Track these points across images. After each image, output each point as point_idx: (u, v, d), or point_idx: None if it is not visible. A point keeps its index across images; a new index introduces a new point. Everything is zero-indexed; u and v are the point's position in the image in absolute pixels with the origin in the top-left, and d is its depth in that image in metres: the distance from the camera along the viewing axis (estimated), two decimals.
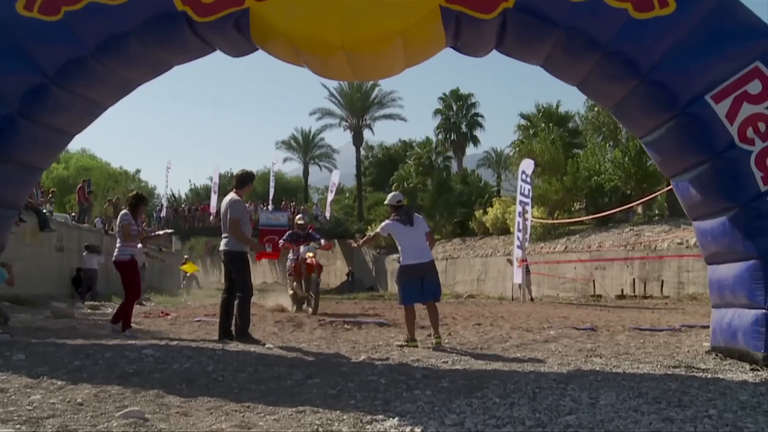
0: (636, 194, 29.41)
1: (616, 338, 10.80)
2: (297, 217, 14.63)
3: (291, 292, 14.78)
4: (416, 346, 9.30)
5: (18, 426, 4.79)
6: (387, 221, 9.93)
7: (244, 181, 10.21)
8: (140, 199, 10.80)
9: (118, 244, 10.48)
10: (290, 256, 14.69)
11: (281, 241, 15.04)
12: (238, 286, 9.79)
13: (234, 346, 9.03)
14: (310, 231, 14.29)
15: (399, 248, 9.80)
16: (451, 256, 39.27)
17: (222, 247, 9.88)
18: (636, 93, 8.41)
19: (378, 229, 9.99)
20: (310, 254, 14.10)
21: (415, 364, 7.82)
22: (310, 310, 14.22)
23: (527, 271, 24.38)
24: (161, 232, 14.38)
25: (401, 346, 9.44)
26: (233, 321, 9.86)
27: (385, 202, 10.56)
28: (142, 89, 9.97)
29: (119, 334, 10.03)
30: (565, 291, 25.56)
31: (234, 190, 10.13)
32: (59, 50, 8.45)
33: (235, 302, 9.81)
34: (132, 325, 10.68)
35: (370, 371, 7.17)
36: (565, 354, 8.88)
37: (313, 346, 9.47)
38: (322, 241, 15.43)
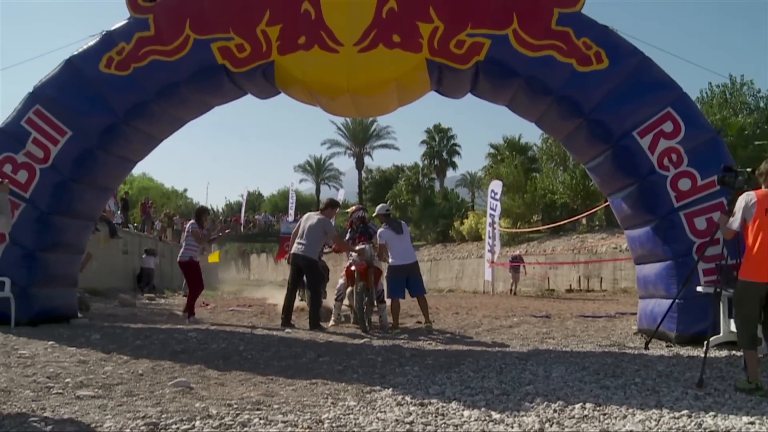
0: (581, 208, 29.46)
1: (565, 324, 10.83)
2: (353, 208, 11.39)
3: (346, 302, 10.56)
4: (400, 333, 9.24)
5: (96, 390, 4.85)
6: (381, 229, 9.84)
7: (327, 205, 10.40)
8: (203, 210, 11.07)
9: (183, 248, 10.59)
10: (352, 255, 10.27)
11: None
12: (311, 285, 9.82)
13: (260, 330, 9.06)
14: (368, 225, 10.84)
15: (390, 252, 9.79)
16: (435, 258, 39.23)
17: (298, 251, 9.67)
18: (580, 128, 8.58)
19: (379, 240, 9.86)
20: (361, 249, 9.94)
21: (406, 345, 7.85)
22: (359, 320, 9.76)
23: (517, 270, 24.30)
24: (221, 234, 14.43)
25: (389, 330, 9.44)
26: (309, 312, 9.86)
27: (374, 213, 10.45)
28: (189, 124, 10.04)
29: (190, 322, 10.07)
30: (526, 286, 25.54)
31: (319, 210, 10.22)
32: (128, 97, 8.74)
33: (307, 297, 9.84)
34: (176, 313, 10.75)
35: (369, 351, 7.20)
36: (525, 336, 8.92)
37: (320, 328, 9.51)
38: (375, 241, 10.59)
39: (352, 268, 9.85)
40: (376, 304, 9.90)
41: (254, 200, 57.07)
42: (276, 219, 49.01)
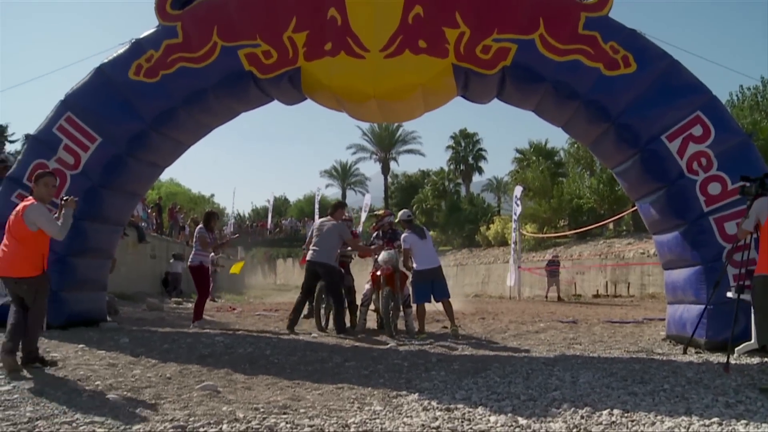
0: (608, 213, 29.12)
1: (592, 329, 10.73)
2: (383, 212, 11.39)
3: (371, 307, 10.66)
4: (426, 338, 9.15)
5: (125, 393, 4.91)
6: (405, 235, 9.73)
7: (336, 207, 10.32)
8: (211, 216, 10.82)
9: (192, 253, 10.55)
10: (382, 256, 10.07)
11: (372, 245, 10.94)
12: (332, 290, 9.71)
13: (287, 334, 9.10)
14: (396, 231, 10.65)
15: (414, 256, 9.72)
16: (461, 263, 39.05)
17: (315, 258, 9.64)
18: (608, 133, 8.50)
19: (403, 245, 9.84)
20: (386, 258, 9.89)
21: (432, 350, 7.83)
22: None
23: (555, 275, 23.60)
24: (228, 239, 14.38)
25: (415, 335, 9.37)
26: (334, 318, 9.82)
27: (397, 220, 10.37)
28: (216, 130, 10.13)
29: (196, 327, 10.02)
30: (552, 291, 25.32)
31: (329, 215, 10.17)
32: (156, 104, 8.85)
33: (332, 305, 9.86)
34: (204, 317, 10.75)
35: (395, 356, 7.19)
36: (552, 342, 8.86)
37: (347, 333, 9.52)
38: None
39: (378, 273, 9.84)
40: (402, 309, 9.85)
41: (280, 205, 57.41)
42: (302, 224, 49.17)
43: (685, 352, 7.44)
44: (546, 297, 23.27)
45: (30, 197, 6.00)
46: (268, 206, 56.98)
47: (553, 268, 23.82)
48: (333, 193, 74.81)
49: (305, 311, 10.50)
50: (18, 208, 5.87)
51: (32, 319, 5.69)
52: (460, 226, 44.93)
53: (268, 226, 51.39)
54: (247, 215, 71.69)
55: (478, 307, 17.29)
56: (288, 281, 48.16)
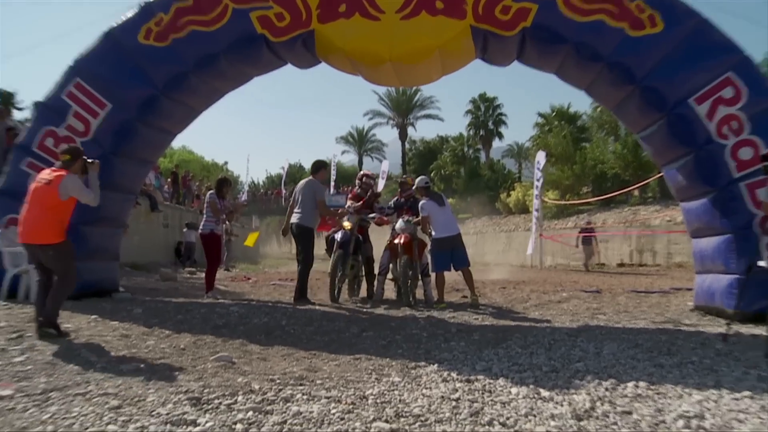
0: (633, 180, 28.79)
1: (617, 299, 10.69)
2: (401, 181, 11.40)
3: (389, 276, 10.68)
4: (445, 307, 9.18)
5: (139, 364, 4.96)
6: (423, 202, 9.77)
7: (317, 168, 10.23)
8: (223, 182, 10.68)
9: (202, 220, 10.43)
10: (399, 224, 10.15)
11: (386, 215, 10.91)
12: (302, 256, 9.70)
13: (303, 304, 9.14)
14: (415, 198, 10.53)
15: (432, 224, 9.72)
16: (481, 231, 38.96)
17: (295, 221, 9.72)
18: (632, 96, 8.34)
19: (421, 213, 9.83)
20: (403, 226, 10.00)
21: (451, 320, 7.84)
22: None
23: (589, 242, 22.71)
24: (240, 205, 14.34)
25: (434, 305, 9.43)
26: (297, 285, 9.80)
27: (414, 186, 10.32)
28: (229, 95, 10.08)
29: (210, 297, 10.01)
30: (576, 260, 25.15)
31: (311, 176, 10.11)
32: (167, 68, 8.79)
33: (298, 269, 9.85)
34: (218, 287, 10.77)
35: (414, 326, 7.20)
36: (575, 312, 8.84)
37: (363, 304, 9.55)
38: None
39: (396, 241, 9.85)
40: (420, 278, 9.89)
41: (295, 172, 57.29)
42: None
43: (728, 330, 7.36)
44: (586, 267, 22.58)
45: (58, 168, 6.28)
46: (283, 173, 57.03)
47: (587, 236, 22.99)
48: (349, 160, 74.86)
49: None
50: (48, 177, 6.10)
51: (61, 284, 5.95)
52: (479, 193, 44.78)
53: (283, 194, 51.48)
54: (261, 183, 71.86)
55: (498, 276, 17.28)
56: None
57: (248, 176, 55.82)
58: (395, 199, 10.96)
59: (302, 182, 10.04)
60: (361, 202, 10.66)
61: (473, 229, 39.46)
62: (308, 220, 9.67)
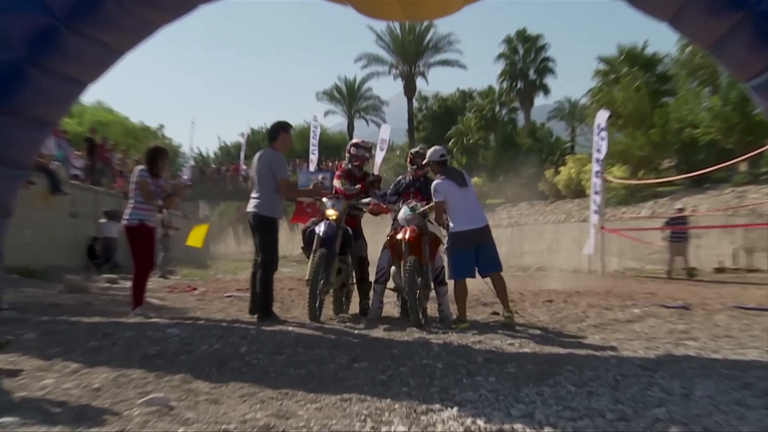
0: (738, 149, 28.45)
1: (714, 318, 10.65)
2: (414, 151, 11.22)
3: (390, 284, 10.68)
4: (467, 328, 9.21)
5: (27, 415, 4.86)
6: (438, 181, 9.79)
7: (275, 132, 10.21)
8: (157, 153, 10.57)
9: (129, 206, 10.32)
10: (403, 212, 10.15)
11: (387, 201, 10.96)
12: (262, 256, 9.79)
13: (269, 325, 9.10)
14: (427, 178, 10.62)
15: (449, 212, 9.75)
16: (518, 222, 39.06)
17: (250, 209, 9.85)
18: (741, 27, 8.19)
19: (435, 197, 9.78)
20: (410, 215, 9.96)
21: (477, 346, 7.82)
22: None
23: (681, 238, 22.59)
24: (178, 184, 14.09)
25: (453, 325, 9.45)
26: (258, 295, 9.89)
27: (426, 159, 10.30)
28: (165, 35, 10.02)
29: (139, 315, 9.95)
30: (652, 263, 25.14)
31: (270, 145, 10.15)
32: None
33: (258, 274, 9.86)
34: (150, 301, 10.74)
35: (424, 354, 7.17)
36: (652, 336, 8.81)
37: (354, 323, 9.54)
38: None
39: (399, 236, 9.82)
40: (433, 286, 9.93)
41: (260, 141, 57.34)
42: (292, 168, 49.26)
43: None
44: (668, 274, 22.36)
45: None
46: (242, 143, 57.08)
47: (677, 228, 22.73)
48: (336, 123, 75.27)
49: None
50: None
51: None
52: (516, 170, 44.85)
53: (242, 171, 51.54)
54: (212, 155, 72.03)
55: (542, 285, 17.28)
56: None
57: (193, 146, 56.05)
58: (400, 179, 10.95)
59: (257, 155, 10.14)
60: (360, 186, 10.67)
61: (507, 219, 39.61)
62: (267, 207, 9.76)
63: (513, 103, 57.35)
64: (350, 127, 69.96)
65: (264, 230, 9.76)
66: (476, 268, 9.65)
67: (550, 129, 55.18)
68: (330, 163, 49.70)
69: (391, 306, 10.75)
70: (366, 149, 11.37)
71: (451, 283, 9.81)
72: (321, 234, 9.82)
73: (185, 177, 42.44)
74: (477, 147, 52.27)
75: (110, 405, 5.11)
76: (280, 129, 10.24)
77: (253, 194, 9.86)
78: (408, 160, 11.03)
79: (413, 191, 10.44)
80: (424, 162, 10.47)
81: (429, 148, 10.51)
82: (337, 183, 10.74)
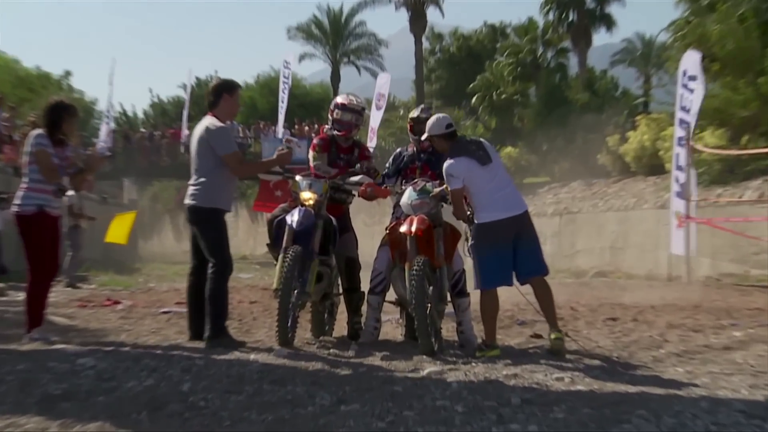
0: None
1: None
2: (415, 116, 11.05)
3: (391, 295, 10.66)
4: (498, 356, 9.27)
5: None
6: (450, 162, 9.65)
7: (216, 93, 10.19)
8: (63, 111, 10.38)
9: (22, 187, 10.19)
10: (408, 196, 10.15)
11: (385, 182, 10.97)
12: (209, 258, 9.86)
13: (223, 351, 9.11)
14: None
15: (471, 198, 9.74)
16: (569, 209, 38.91)
17: (187, 201, 9.95)
18: None
19: (450, 183, 9.65)
20: (418, 199, 9.95)
21: (511, 381, 7.83)
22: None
23: None
24: (93, 155, 13.42)
25: (478, 351, 9.48)
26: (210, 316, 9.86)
27: (426, 134, 10.16)
28: None
29: (36, 339, 9.90)
30: (760, 266, 25.03)
31: (209, 112, 10.18)
32: None
33: (207, 283, 9.84)
34: (52, 319, 10.69)
35: (438, 393, 7.18)
36: (760, 370, 8.79)
37: (341, 349, 9.54)
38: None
39: (402, 229, 9.80)
40: (450, 299, 9.98)
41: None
42: (254, 134, 49.21)
43: None
44: None
45: None
46: (185, 98, 57.03)
47: None
48: (315, 72, 75.07)
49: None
50: None
51: None
52: (567, 136, 44.83)
53: (184, 138, 51.39)
54: (141, 116, 71.98)
55: (603, 297, 17.29)
56: (231, 243, 48.51)
57: (114, 102, 55.84)
58: (400, 151, 10.90)
59: (199, 126, 10.18)
60: (341, 168, 10.65)
61: (554, 205, 39.51)
62: (206, 196, 9.83)
63: (562, 43, 57.26)
64: (335, 77, 69.73)
65: (205, 227, 9.88)
66: (514, 273, 9.66)
67: (614, 78, 55.02)
68: (307, 127, 49.53)
69: (391, 326, 10.75)
70: (356, 112, 11.17)
71: (475, 294, 9.81)
72: (294, 225, 9.79)
73: (102, 145, 42.38)
74: (512, 104, 52.26)
75: None
76: (223, 90, 10.27)
77: (191, 180, 9.95)
78: (408, 127, 10.97)
79: (420, 166, 10.38)
80: (423, 138, 10.41)
81: (424, 112, 10.48)
82: (310, 157, 10.71)
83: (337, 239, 10.34)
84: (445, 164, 9.71)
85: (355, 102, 11.25)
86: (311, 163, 10.63)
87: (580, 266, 31.94)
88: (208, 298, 9.75)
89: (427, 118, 10.40)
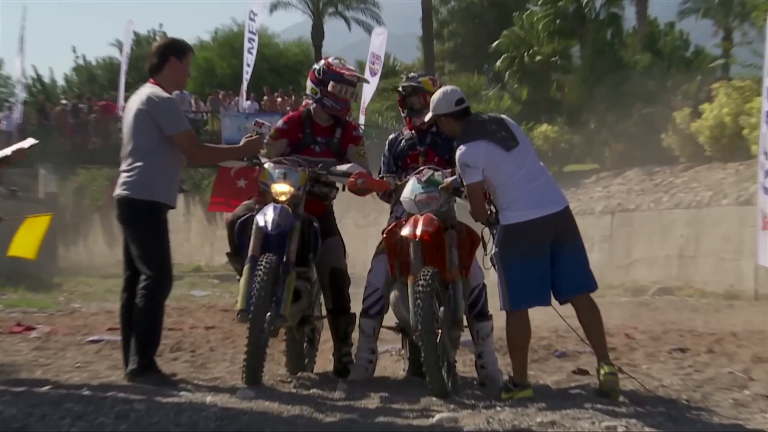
0: None
1: None
2: (405, 85, 10.89)
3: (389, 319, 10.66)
4: (530, 398, 9.21)
5: None
6: (465, 148, 9.51)
7: (160, 56, 10.20)
8: None
9: None
10: (411, 189, 10.02)
11: (382, 174, 10.87)
12: (141, 267, 9.81)
13: (167, 393, 9.12)
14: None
15: (494, 193, 9.65)
16: (623, 206, 38.88)
17: (118, 192, 9.89)
18: None
19: (464, 175, 9.54)
20: (424, 193, 9.84)
21: (548, 431, 7.84)
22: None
23: None
24: (14, 148, 13.39)
25: (504, 392, 9.42)
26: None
27: (431, 113, 10.01)
28: None
29: None
30: None
31: (150, 79, 10.18)
32: None
33: (136, 300, 9.83)
34: None
35: None
36: None
37: (326, 389, 9.55)
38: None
39: (404, 232, 9.72)
40: (466, 321, 9.92)
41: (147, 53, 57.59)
42: (209, 105, 49.16)
43: None
44: None
45: None
46: (120, 60, 57.17)
47: None
48: (290, 25, 74.95)
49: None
50: None
51: None
52: (621, 110, 44.83)
53: (121, 111, 51.48)
54: (61, 83, 72.09)
55: (668, 320, 17.33)
56: (177, 251, 48.57)
57: (26, 65, 55.92)
58: (396, 136, 10.98)
59: (131, 99, 10.25)
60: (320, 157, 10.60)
61: (604, 201, 39.52)
62: (146, 185, 9.80)
63: None
64: (317, 33, 69.78)
65: (138, 226, 9.85)
66: (552, 290, 9.60)
67: (684, 34, 54.94)
68: (281, 99, 49.44)
69: (390, 358, 10.77)
70: (354, 85, 11.00)
71: (500, 317, 9.81)
72: (269, 227, 9.77)
73: (18, 123, 42.49)
74: (548, 68, 52.28)
75: None
76: (170, 53, 10.25)
77: (123, 166, 9.92)
78: (398, 100, 10.90)
79: (422, 152, 10.33)
80: (427, 119, 10.32)
81: (413, 80, 10.43)
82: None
83: (319, 245, 10.31)
84: (458, 152, 9.57)
85: (343, 67, 11.03)
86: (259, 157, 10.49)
87: (638, 280, 32.00)
88: (135, 321, 9.73)
89: (418, 87, 10.59)
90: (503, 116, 10.07)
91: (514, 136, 9.60)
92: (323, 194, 10.61)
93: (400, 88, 10.92)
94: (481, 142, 9.50)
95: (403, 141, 10.66)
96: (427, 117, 10.21)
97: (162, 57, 10.18)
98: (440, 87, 10.28)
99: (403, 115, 10.75)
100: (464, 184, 9.62)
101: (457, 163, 9.63)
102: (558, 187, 9.92)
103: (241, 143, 10.21)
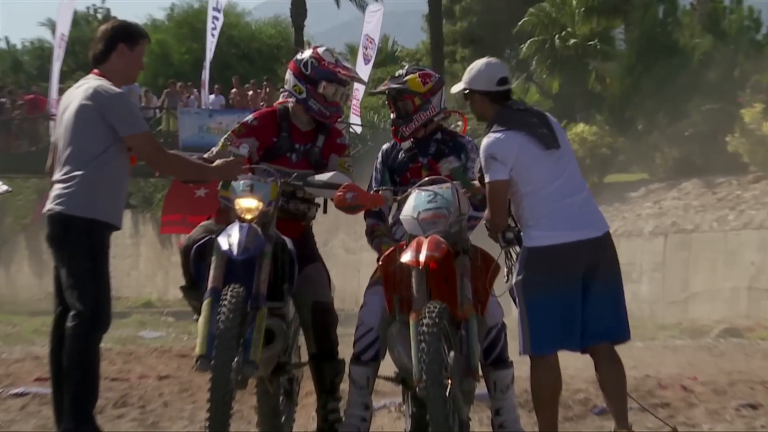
0: None
1: None
2: (390, 81, 10.50)
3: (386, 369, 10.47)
4: None
5: None
6: (495, 137, 9.37)
7: (110, 42, 10.16)
8: None
9: None
10: (414, 205, 9.70)
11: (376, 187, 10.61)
12: (71, 300, 9.71)
13: None
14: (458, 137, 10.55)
15: (519, 205, 9.61)
16: (678, 225, 39.00)
17: (50, 206, 9.78)
18: None
19: (488, 173, 9.43)
20: (426, 210, 9.51)
21: None
22: None
23: None
24: None
25: None
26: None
27: (463, 84, 9.82)
28: None
29: None
30: None
31: (95, 69, 10.13)
32: None
33: (65, 343, 9.80)
34: None
35: None
36: None
37: None
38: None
39: (405, 258, 9.63)
40: (482, 370, 9.75)
41: (87, 35, 57.76)
42: (165, 100, 49.26)
43: None
44: None
45: None
46: (53, 44, 57.44)
47: None
48: (266, 1, 75.05)
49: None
50: None
51: None
52: (674, 107, 44.94)
53: (53, 106, 51.67)
54: None
55: (736, 369, 17.37)
56: (121, 282, 48.68)
57: None
58: (390, 146, 10.78)
59: (69, 92, 10.24)
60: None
61: (655, 219, 39.61)
62: (85, 200, 9.71)
63: None
64: (299, 11, 69.94)
65: (72, 248, 9.74)
66: (582, 334, 9.48)
67: (754, 12, 55.05)
68: (252, 92, 49.43)
69: (388, 416, 10.81)
70: (343, 84, 10.87)
71: (523, 363, 9.79)
72: (231, 252, 9.71)
73: None
74: (585, 55, 52.46)
75: None
76: (119, 39, 10.16)
77: (57, 175, 9.83)
78: (386, 102, 10.84)
79: (425, 164, 10.33)
80: (455, 91, 10.06)
81: (396, 80, 10.36)
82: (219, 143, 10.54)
83: (296, 274, 10.26)
84: (486, 140, 9.41)
85: (349, 70, 10.98)
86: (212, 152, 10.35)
87: (697, 319, 32.05)
88: (67, 368, 9.63)
89: (403, 90, 10.34)
90: (546, 112, 9.98)
91: (556, 138, 9.50)
92: (300, 212, 10.48)
93: (386, 90, 10.72)
94: (516, 134, 9.37)
95: (402, 151, 10.44)
96: (456, 89, 10.00)
97: (108, 44, 10.07)
98: (436, 84, 10.35)
99: (393, 115, 10.42)
100: (486, 180, 9.41)
101: (481, 155, 9.49)
102: (597, 208, 9.86)
103: (215, 164, 9.98)
